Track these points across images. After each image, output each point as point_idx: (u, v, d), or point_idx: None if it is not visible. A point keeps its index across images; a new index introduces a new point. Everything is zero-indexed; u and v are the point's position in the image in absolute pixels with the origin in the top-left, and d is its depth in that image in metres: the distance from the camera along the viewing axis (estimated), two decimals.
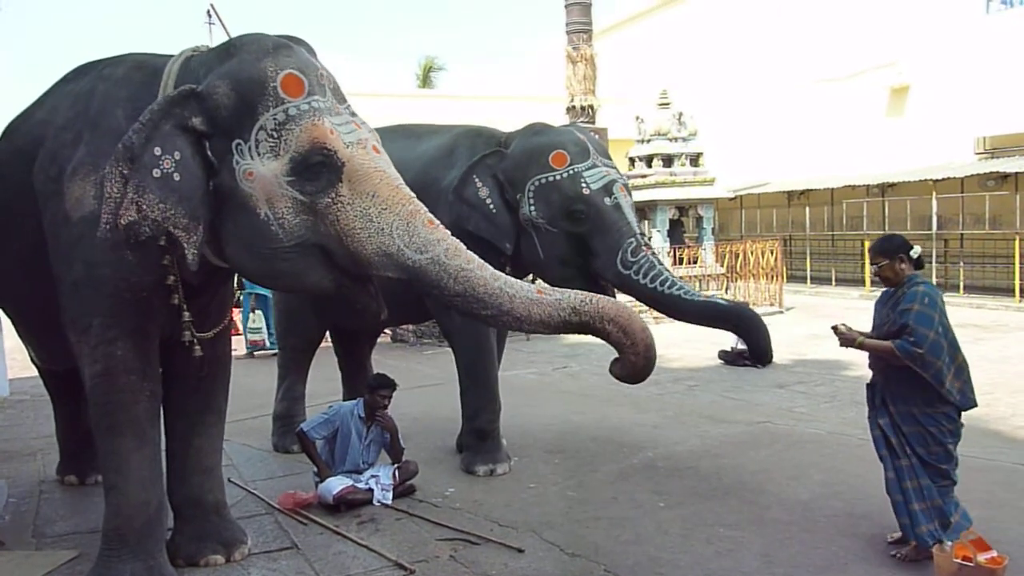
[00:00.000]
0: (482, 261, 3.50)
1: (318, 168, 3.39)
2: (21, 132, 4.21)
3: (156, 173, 3.35)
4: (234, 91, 3.44)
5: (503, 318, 3.44)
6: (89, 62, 4.22)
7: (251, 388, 8.19)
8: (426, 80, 32.89)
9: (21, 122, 4.34)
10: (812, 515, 4.76)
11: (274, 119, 3.40)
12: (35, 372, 6.01)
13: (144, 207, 3.32)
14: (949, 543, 3.85)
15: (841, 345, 4.25)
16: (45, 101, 4.23)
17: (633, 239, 5.34)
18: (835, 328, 4.27)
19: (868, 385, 4.34)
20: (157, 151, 3.37)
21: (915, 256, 4.20)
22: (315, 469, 5.31)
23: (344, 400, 6.62)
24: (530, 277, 5.91)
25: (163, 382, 4.01)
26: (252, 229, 3.46)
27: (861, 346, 4.16)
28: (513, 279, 3.49)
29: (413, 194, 3.54)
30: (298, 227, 3.44)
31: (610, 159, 5.66)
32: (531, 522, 4.76)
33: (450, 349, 6.05)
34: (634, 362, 3.46)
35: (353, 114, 3.63)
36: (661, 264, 5.39)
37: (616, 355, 3.55)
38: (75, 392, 5.64)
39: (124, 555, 3.80)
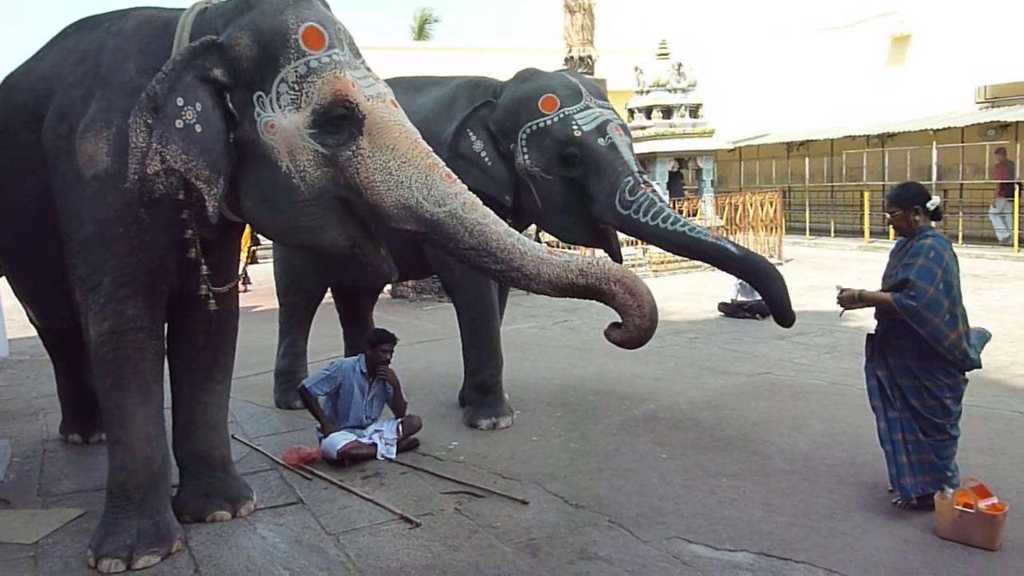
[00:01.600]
0: (496, 217, 3.51)
1: (340, 121, 3.41)
2: (21, 88, 4.14)
3: (179, 124, 3.35)
4: (256, 43, 3.43)
5: (512, 274, 3.45)
6: (89, 17, 4.14)
7: (251, 345, 8.11)
8: (421, 32, 32.45)
9: (20, 78, 4.27)
10: (813, 465, 4.79)
11: (295, 71, 3.40)
12: (34, 332, 6.01)
13: (167, 158, 3.32)
14: (951, 490, 3.88)
15: (843, 306, 4.20)
16: (46, 56, 4.15)
17: (631, 177, 5.20)
18: (839, 296, 4.21)
19: (868, 336, 4.32)
20: (180, 102, 3.36)
21: (932, 208, 4.11)
22: (318, 425, 5.32)
23: (345, 356, 6.63)
24: (532, 229, 5.87)
25: (171, 339, 4.03)
26: (273, 182, 3.46)
27: (861, 298, 4.11)
28: (526, 238, 3.50)
29: (430, 148, 3.55)
30: (319, 180, 3.45)
31: (606, 100, 5.54)
32: (534, 474, 4.79)
33: (450, 304, 6.04)
34: (639, 324, 3.45)
35: (369, 69, 3.62)
36: (662, 201, 5.26)
37: (615, 320, 3.54)
38: (76, 350, 5.64)
39: (130, 511, 3.82)
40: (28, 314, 5.43)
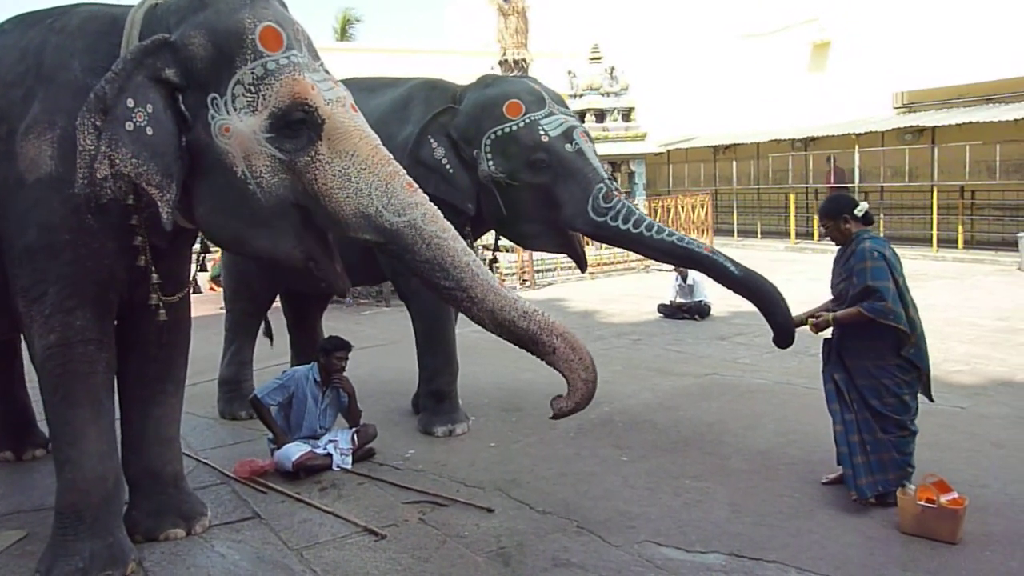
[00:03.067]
0: (456, 233, 3.46)
1: (298, 125, 3.29)
2: None
3: (128, 126, 3.19)
4: (210, 42, 3.29)
5: (459, 294, 3.39)
6: (28, 12, 3.90)
7: (191, 353, 7.89)
8: (344, 33, 32.02)
9: None
10: (772, 463, 4.86)
11: (252, 73, 3.27)
12: None
13: (117, 162, 3.16)
14: (912, 487, 3.98)
15: (817, 331, 4.33)
16: None
17: (602, 184, 5.17)
18: (809, 321, 4.36)
19: (825, 340, 4.42)
20: (130, 103, 3.20)
21: (860, 214, 4.28)
22: (269, 436, 5.16)
23: (292, 364, 6.46)
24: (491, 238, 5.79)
25: (121, 350, 3.82)
26: (228, 188, 3.32)
27: (836, 321, 4.21)
28: (481, 263, 3.47)
29: (391, 155, 3.45)
30: (276, 186, 3.33)
31: (567, 107, 5.53)
32: (497, 481, 4.73)
33: (389, 309, 5.94)
34: (585, 379, 3.47)
35: (328, 72, 3.51)
36: (638, 208, 5.25)
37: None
38: (8, 363, 5.37)
39: (81, 533, 3.63)
40: None
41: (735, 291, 5.08)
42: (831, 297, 4.48)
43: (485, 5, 16.40)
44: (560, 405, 3.61)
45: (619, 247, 5.51)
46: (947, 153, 15.63)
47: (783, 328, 4.78)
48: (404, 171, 3.47)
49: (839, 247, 4.42)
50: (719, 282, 5.09)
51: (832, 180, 17.40)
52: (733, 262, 5.02)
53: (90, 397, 3.62)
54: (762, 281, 4.94)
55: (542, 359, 3.51)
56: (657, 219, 15.14)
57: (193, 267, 4.32)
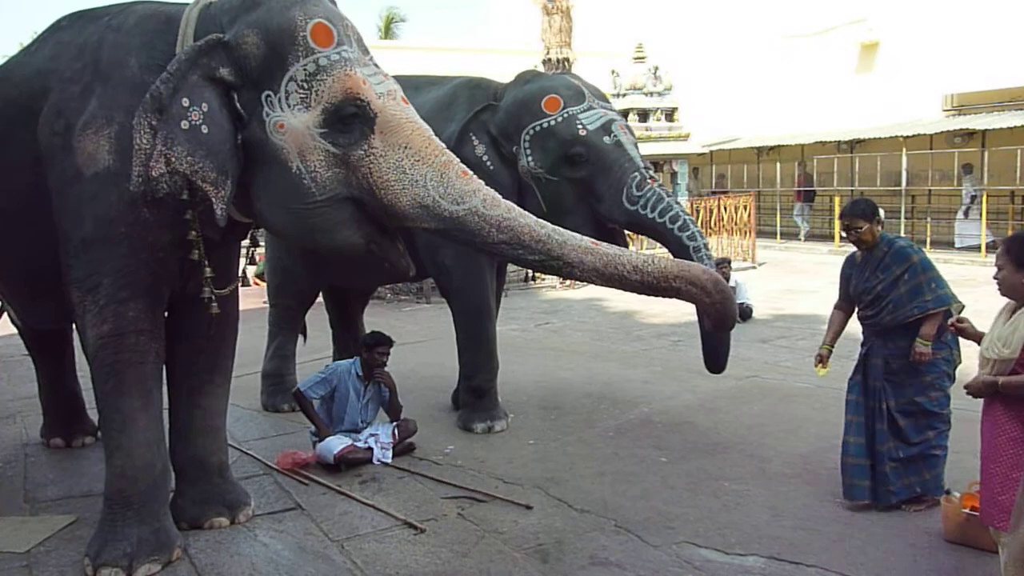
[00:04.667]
0: (522, 210, 3.47)
1: (351, 119, 3.33)
2: (13, 82, 3.97)
3: (184, 125, 3.26)
4: (263, 41, 3.35)
5: (552, 263, 3.41)
6: (86, 10, 4.00)
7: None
8: (388, 32, 32.27)
9: (11, 71, 4.10)
10: (813, 468, 4.81)
11: (305, 70, 3.32)
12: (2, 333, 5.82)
13: (173, 160, 3.23)
14: (957, 494, 3.91)
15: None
16: (40, 50, 3.98)
17: (637, 173, 5.14)
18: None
19: (862, 355, 4.39)
20: (185, 102, 3.26)
21: (882, 218, 4.32)
22: (311, 428, 5.23)
23: (334, 359, 6.54)
24: None
25: (170, 341, 3.90)
26: (284, 183, 3.37)
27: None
28: (562, 229, 3.45)
29: (444, 145, 3.48)
30: (331, 180, 3.37)
31: (608, 102, 5.51)
32: (535, 478, 4.74)
33: (429, 305, 5.97)
34: (712, 303, 3.41)
35: (378, 66, 3.55)
36: (671, 197, 5.18)
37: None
38: (59, 352, 5.51)
39: (129, 519, 3.70)
40: (9, 314, 5.26)
41: (700, 317, 5.04)
42: (848, 301, 4.49)
43: (530, 4, 16.41)
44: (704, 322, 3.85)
45: (651, 238, 5.40)
46: (997, 157, 15.30)
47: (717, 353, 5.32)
48: (458, 160, 3.48)
49: (853, 252, 4.42)
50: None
51: (801, 184, 19.45)
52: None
53: (140, 386, 3.69)
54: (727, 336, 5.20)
55: (675, 298, 3.48)
56: (700, 220, 15.28)
57: (242, 261, 4.39)
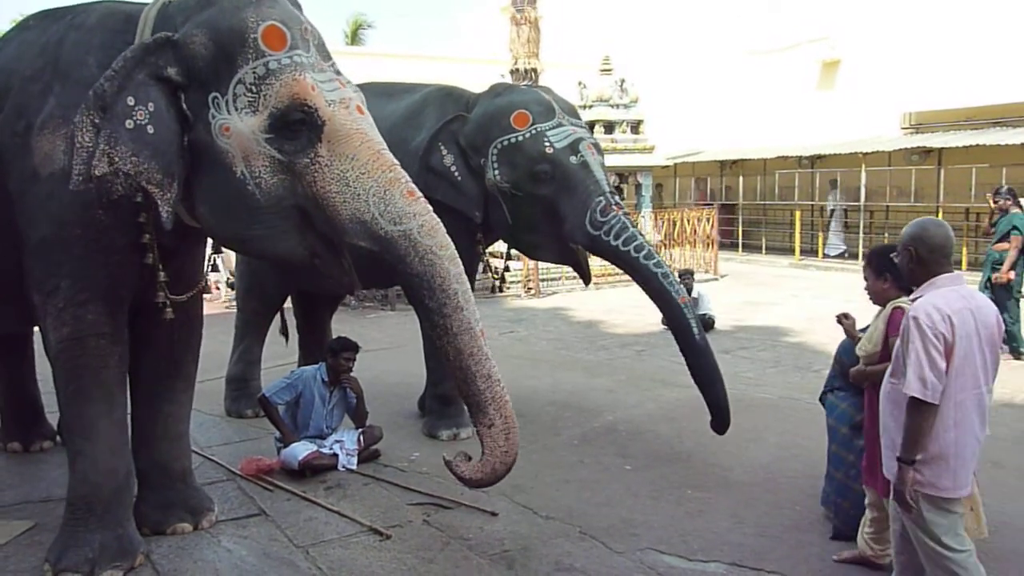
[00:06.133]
0: (455, 253, 3.40)
1: (297, 126, 3.26)
2: None
3: (129, 124, 3.19)
4: (212, 41, 3.29)
5: (436, 319, 3.35)
6: (53, 9, 3.96)
7: None
8: (355, 38, 32.06)
9: None
10: (774, 476, 4.90)
11: (254, 72, 3.26)
12: None
13: (116, 159, 3.15)
14: None
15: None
16: (5, 49, 3.93)
17: (602, 198, 5.18)
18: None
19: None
20: (130, 101, 3.20)
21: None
22: (276, 434, 5.21)
23: (299, 364, 6.51)
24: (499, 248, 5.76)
25: (133, 346, 3.86)
26: (227, 187, 3.32)
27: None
28: (471, 294, 3.43)
29: (396, 161, 3.42)
30: (276, 188, 3.31)
31: (579, 119, 5.56)
32: (501, 486, 4.62)
33: (393, 312, 5.96)
34: (496, 469, 3.45)
35: (338, 72, 3.51)
36: (634, 226, 5.23)
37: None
38: (19, 355, 5.42)
39: (91, 524, 3.67)
40: None
41: (683, 354, 5.11)
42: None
43: (498, 14, 16.49)
44: (462, 466, 3.57)
45: (613, 264, 5.42)
46: (953, 175, 15.68)
47: (719, 410, 5.01)
48: (407, 179, 3.41)
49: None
50: (675, 335, 5.10)
51: (704, 199, 20.97)
52: (700, 327, 5.05)
53: (103, 391, 3.66)
54: (712, 359, 5.06)
55: (475, 425, 3.50)
56: (663, 232, 15.44)
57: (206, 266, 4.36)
